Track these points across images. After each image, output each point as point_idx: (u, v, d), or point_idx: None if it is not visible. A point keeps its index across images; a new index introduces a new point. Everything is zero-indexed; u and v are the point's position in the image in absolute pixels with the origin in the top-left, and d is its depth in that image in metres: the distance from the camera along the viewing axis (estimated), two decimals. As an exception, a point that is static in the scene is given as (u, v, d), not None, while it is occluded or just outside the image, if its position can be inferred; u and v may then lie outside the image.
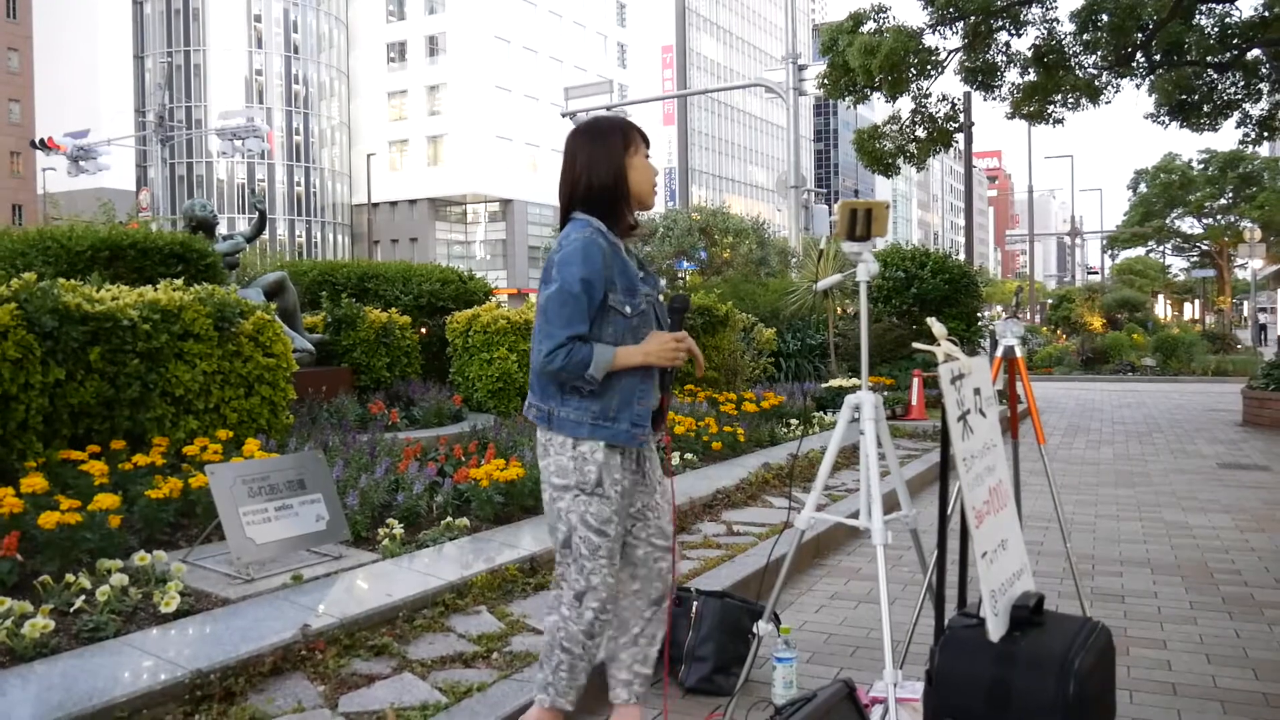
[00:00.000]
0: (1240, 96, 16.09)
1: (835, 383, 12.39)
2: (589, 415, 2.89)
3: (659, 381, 3.00)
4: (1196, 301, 58.45)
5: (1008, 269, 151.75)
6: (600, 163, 2.95)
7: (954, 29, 15.75)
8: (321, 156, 73.93)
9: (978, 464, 2.72)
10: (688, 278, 31.90)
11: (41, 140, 31.66)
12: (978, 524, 2.61)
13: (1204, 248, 51.66)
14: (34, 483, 4.54)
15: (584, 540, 2.93)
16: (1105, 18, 14.89)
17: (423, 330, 10.50)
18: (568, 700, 3.05)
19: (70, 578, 3.92)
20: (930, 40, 15.57)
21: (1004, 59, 16.11)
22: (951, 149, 18.75)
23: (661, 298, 3.09)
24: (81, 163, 31.03)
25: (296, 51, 71.88)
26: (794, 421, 10.17)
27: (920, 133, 16.82)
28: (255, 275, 10.88)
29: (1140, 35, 14.97)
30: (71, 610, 3.70)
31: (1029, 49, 15.83)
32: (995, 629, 2.52)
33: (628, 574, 3.12)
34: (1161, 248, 56.19)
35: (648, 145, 3.03)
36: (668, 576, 3.15)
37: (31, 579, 3.94)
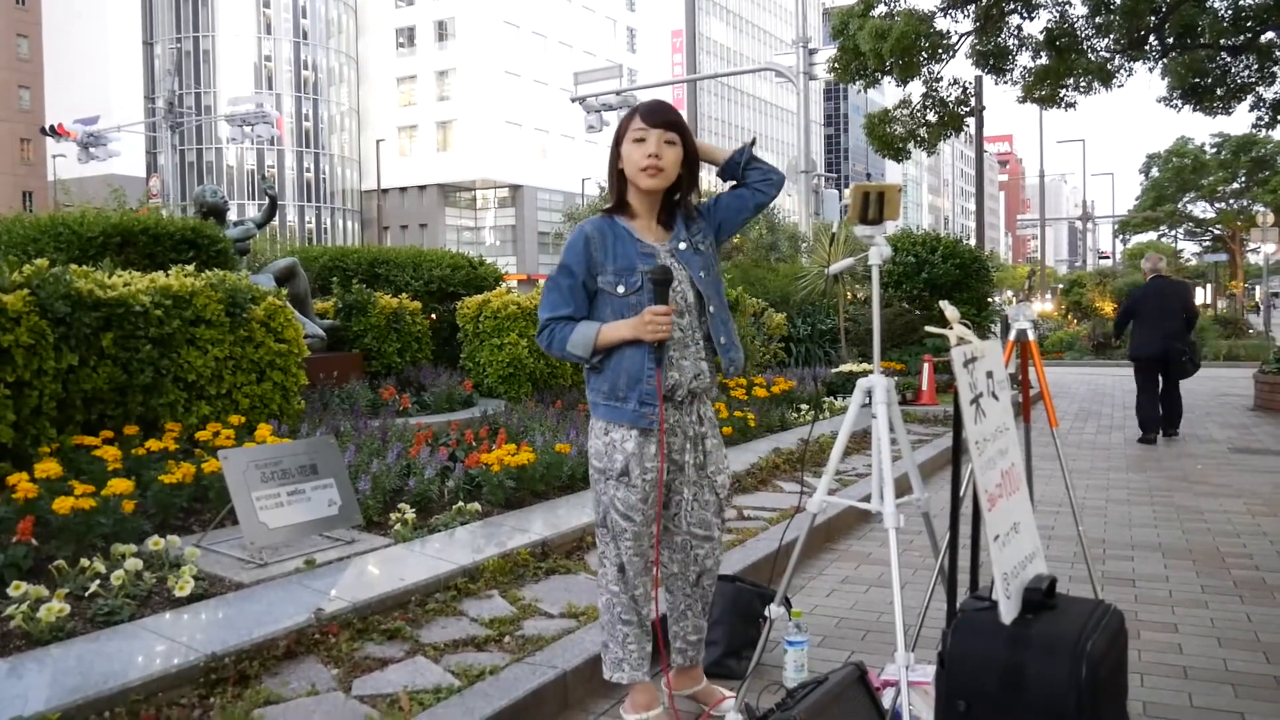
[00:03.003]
0: (1254, 80, 15.96)
1: (846, 367, 12.38)
2: (600, 395, 3.03)
3: (657, 358, 2.95)
4: (1208, 286, 58.13)
5: (1019, 254, 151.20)
6: (610, 155, 3.11)
7: (965, 12, 15.65)
8: (331, 142, 73.93)
9: (990, 447, 2.72)
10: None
11: (51, 127, 31.64)
12: (990, 507, 2.61)
13: (1216, 232, 51.34)
14: (48, 468, 4.57)
15: (614, 523, 3.06)
16: (1118, 0, 14.78)
17: (433, 316, 10.51)
18: (643, 671, 3.15)
19: (85, 562, 3.95)
20: (941, 24, 15.47)
21: (1016, 42, 16.01)
22: (962, 133, 18.64)
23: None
24: (92, 149, 31.00)
25: (305, 37, 71.81)
26: (804, 406, 10.17)
27: (931, 117, 16.71)
28: (266, 261, 10.91)
29: (1153, 18, 14.85)
30: (86, 594, 3.73)
31: (1041, 32, 15.72)
32: (1008, 611, 2.52)
33: (666, 556, 3.22)
34: (1173, 232, 55.78)
35: (648, 119, 2.99)
36: (706, 562, 3.25)
37: (46, 564, 3.97)
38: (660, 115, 3.00)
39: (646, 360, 2.96)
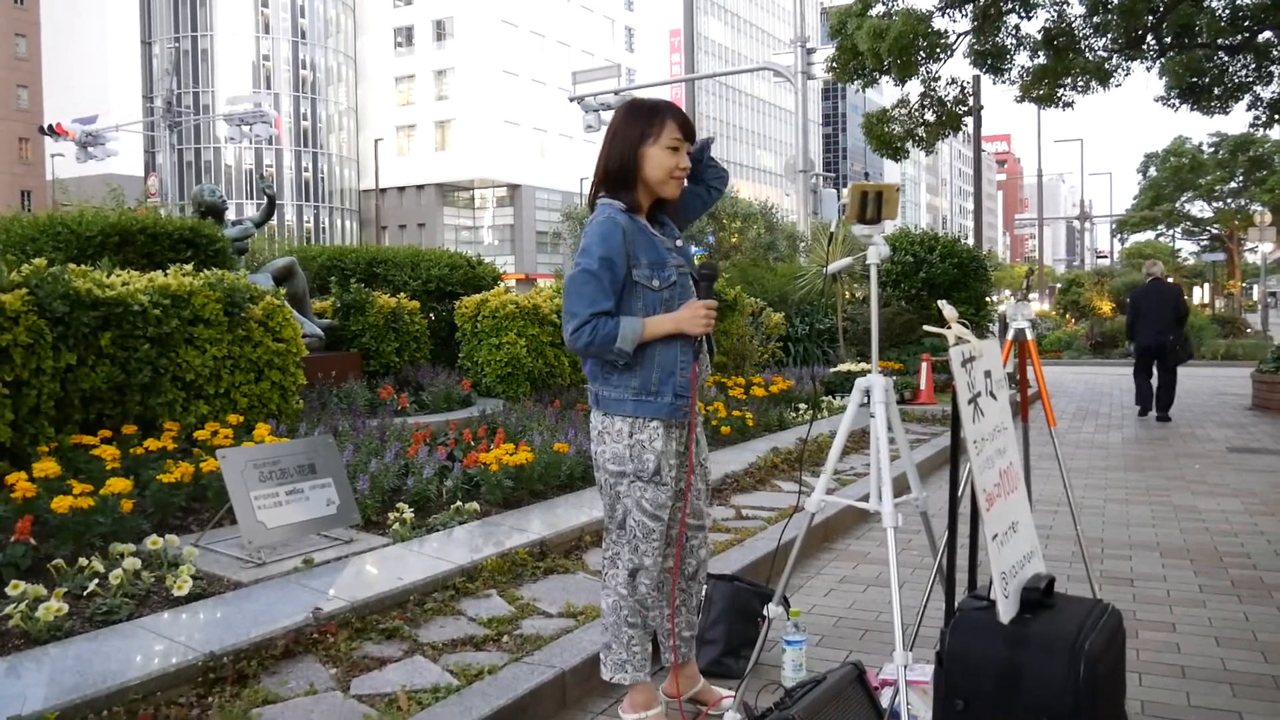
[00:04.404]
0: (1251, 79, 15.96)
1: (844, 367, 12.38)
2: (629, 391, 2.97)
3: (696, 351, 3.02)
4: (1206, 285, 58.13)
5: (1016, 253, 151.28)
6: (615, 147, 3.04)
7: (963, 11, 15.64)
8: (329, 142, 73.86)
9: (988, 446, 2.72)
10: (696, 262, 31.82)
11: (50, 126, 31.59)
12: (988, 506, 2.61)
13: (1214, 231, 51.34)
14: (46, 467, 4.57)
15: (639, 524, 3.03)
16: (1115, 0, 14.79)
17: (431, 315, 10.51)
18: (645, 672, 3.15)
19: (83, 561, 3.95)
20: (939, 23, 15.45)
21: (1014, 42, 15.99)
22: (960, 133, 18.65)
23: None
24: (90, 149, 30.96)
25: (304, 36, 71.74)
26: (803, 406, 10.17)
27: (929, 116, 16.70)
28: (264, 260, 10.89)
29: (1151, 17, 14.85)
30: (85, 594, 3.73)
31: (1039, 31, 15.69)
32: (1006, 611, 2.52)
33: (669, 552, 3.20)
34: (1171, 231, 55.78)
35: (684, 132, 3.03)
36: (700, 552, 3.28)
37: (45, 563, 3.96)
38: (690, 127, 3.06)
39: (681, 353, 2.98)
